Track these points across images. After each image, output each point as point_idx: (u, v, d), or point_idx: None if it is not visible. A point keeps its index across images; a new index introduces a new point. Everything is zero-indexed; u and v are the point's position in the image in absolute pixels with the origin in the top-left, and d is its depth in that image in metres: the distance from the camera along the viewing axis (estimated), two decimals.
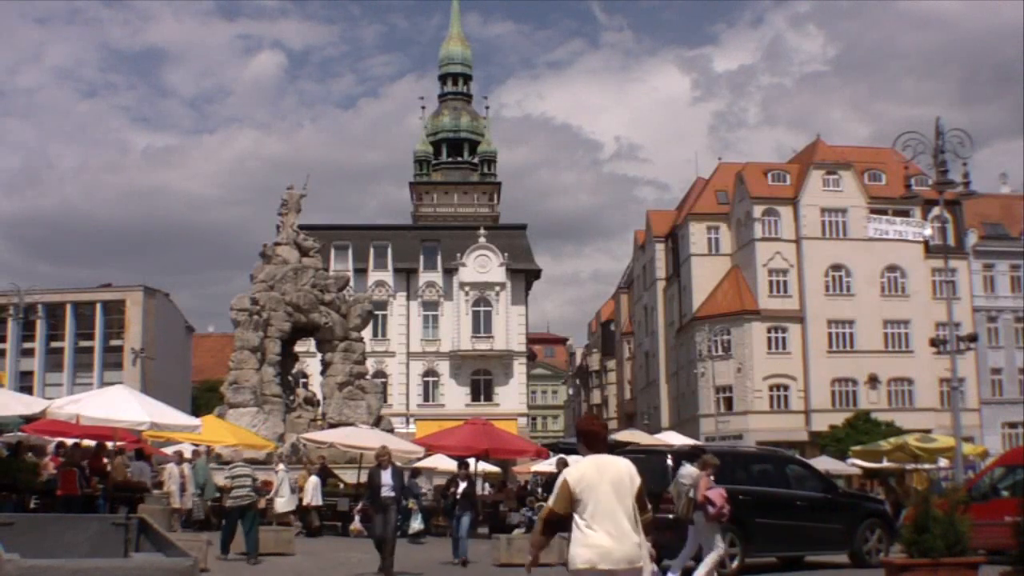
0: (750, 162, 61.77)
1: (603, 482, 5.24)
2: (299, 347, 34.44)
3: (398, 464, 15.49)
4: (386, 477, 13.95)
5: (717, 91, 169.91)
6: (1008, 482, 17.04)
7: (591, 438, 5.54)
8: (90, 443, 22.44)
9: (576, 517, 5.24)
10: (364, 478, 24.83)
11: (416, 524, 20.33)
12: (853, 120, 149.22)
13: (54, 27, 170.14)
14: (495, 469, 32.02)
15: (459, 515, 15.71)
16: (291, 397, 31.67)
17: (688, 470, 12.37)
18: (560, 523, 5.31)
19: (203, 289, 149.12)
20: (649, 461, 15.43)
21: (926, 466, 27.05)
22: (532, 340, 71.86)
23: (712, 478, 12.14)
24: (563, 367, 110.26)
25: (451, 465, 31.84)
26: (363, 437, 24.19)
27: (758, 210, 57.31)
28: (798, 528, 14.78)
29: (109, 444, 20.04)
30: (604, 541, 5.17)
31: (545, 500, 21.97)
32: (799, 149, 63.89)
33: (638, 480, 5.34)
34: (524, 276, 58.48)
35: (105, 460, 19.36)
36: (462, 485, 16.19)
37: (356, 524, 16.42)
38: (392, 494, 13.92)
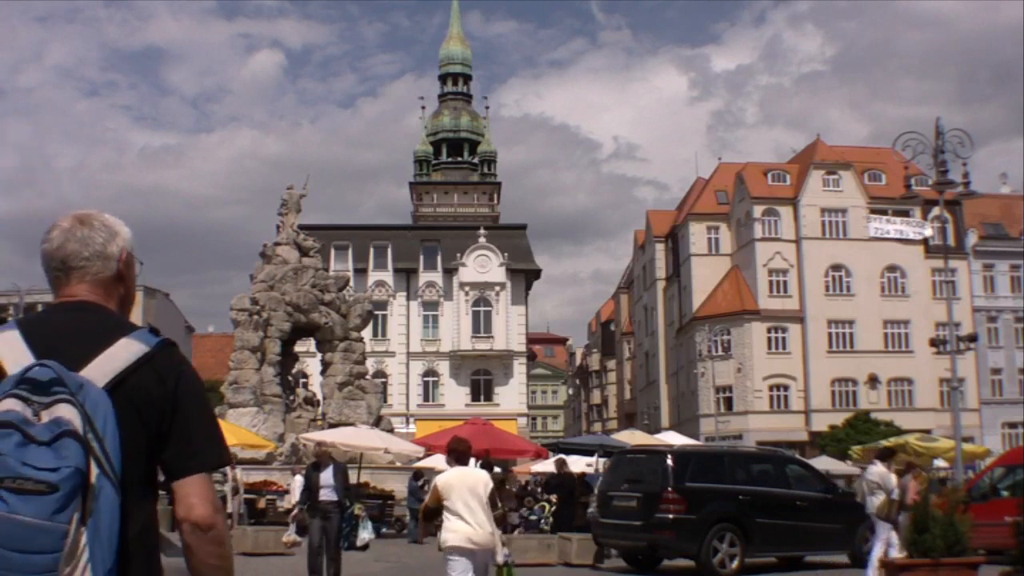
0: (750, 162, 61.77)
1: (463, 486, 7.14)
2: (299, 347, 34.43)
3: (341, 463, 13.41)
4: (326, 477, 11.88)
5: (715, 91, 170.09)
6: (1008, 482, 17.06)
7: (459, 455, 7.54)
8: None
9: (445, 511, 7.15)
10: (363, 479, 24.89)
11: (365, 534, 18.68)
12: (852, 120, 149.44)
13: (55, 26, 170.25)
14: (495, 469, 32.01)
15: None
16: (291, 397, 31.68)
17: (877, 469, 12.35)
18: (435, 513, 7.23)
19: (203, 289, 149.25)
20: (649, 461, 15.47)
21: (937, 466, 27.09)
22: (532, 340, 71.84)
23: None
24: (563, 367, 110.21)
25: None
26: (363, 437, 24.19)
27: (758, 210, 57.30)
28: (798, 528, 14.79)
29: None
30: (464, 528, 7.05)
31: (544, 500, 22.01)
32: (798, 149, 63.97)
33: (491, 486, 7.30)
34: (524, 276, 58.46)
35: None
36: None
37: (290, 535, 13.52)
38: (334, 498, 11.90)
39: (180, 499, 2.01)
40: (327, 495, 11.81)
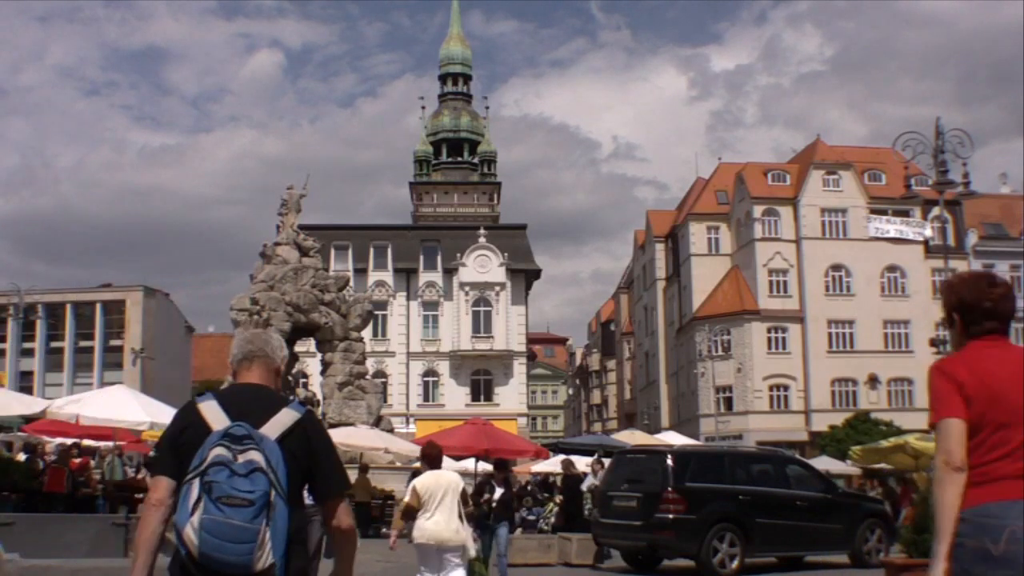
0: (750, 162, 61.76)
1: (438, 488, 7.95)
2: (299, 347, 34.40)
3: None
4: None
5: (714, 90, 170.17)
6: None
7: (432, 459, 8.41)
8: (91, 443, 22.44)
9: (421, 510, 7.95)
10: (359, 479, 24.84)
11: None
12: (851, 120, 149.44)
13: (55, 25, 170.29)
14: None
15: (494, 527, 12.79)
16: (291, 397, 31.64)
17: None
18: (414, 512, 8.00)
19: (202, 289, 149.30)
20: (649, 461, 15.47)
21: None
22: (532, 340, 71.83)
23: None
24: (563, 367, 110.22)
25: (451, 465, 31.82)
26: (363, 437, 24.17)
27: (758, 210, 57.29)
28: (798, 528, 14.78)
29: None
30: (437, 526, 7.88)
31: (544, 500, 22.00)
32: (797, 149, 64.00)
33: (462, 486, 8.22)
34: (524, 276, 58.44)
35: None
36: (499, 491, 13.00)
37: None
38: (311, 502, 10.95)
39: (329, 514, 3.23)
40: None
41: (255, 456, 2.94)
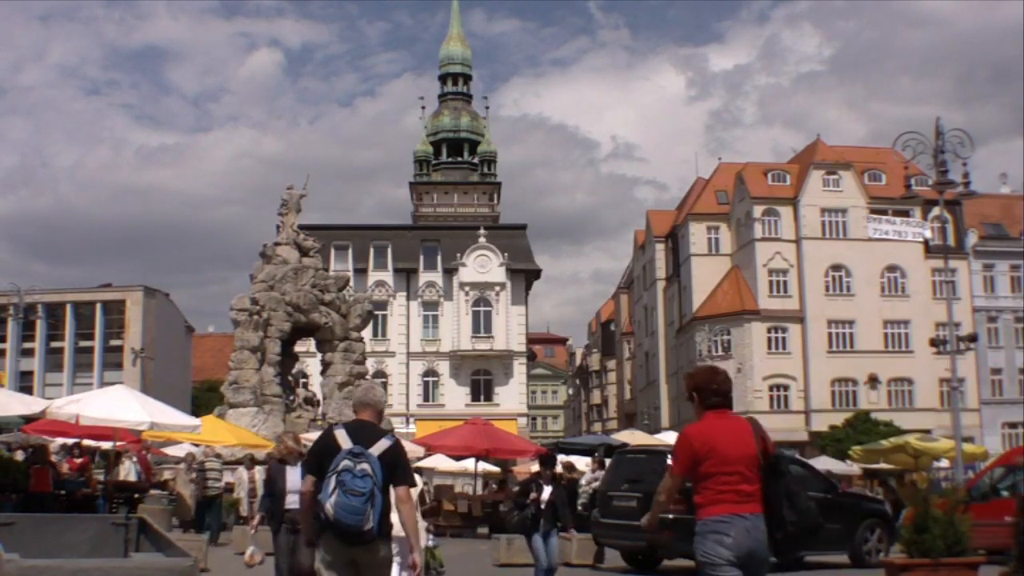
0: (750, 162, 61.75)
1: None
2: (299, 347, 34.41)
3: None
4: (293, 478, 8.49)
5: (713, 90, 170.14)
6: (1008, 482, 17.04)
7: None
8: (91, 443, 22.43)
9: None
10: None
11: None
12: (850, 120, 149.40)
13: (56, 24, 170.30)
14: (495, 469, 32.06)
15: (544, 532, 10.60)
16: (291, 397, 31.66)
17: None
18: None
19: (202, 289, 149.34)
20: (649, 461, 15.46)
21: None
22: (532, 340, 71.83)
23: None
24: (563, 367, 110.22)
25: (451, 465, 31.85)
26: None
27: (758, 210, 57.28)
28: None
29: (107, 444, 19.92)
30: (396, 521, 9.26)
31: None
32: (796, 148, 63.96)
33: (419, 487, 9.47)
34: (524, 276, 58.45)
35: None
36: (546, 490, 10.74)
37: (253, 553, 9.53)
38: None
39: (396, 494, 5.33)
40: (295, 501, 8.44)
41: (366, 466, 5.13)
